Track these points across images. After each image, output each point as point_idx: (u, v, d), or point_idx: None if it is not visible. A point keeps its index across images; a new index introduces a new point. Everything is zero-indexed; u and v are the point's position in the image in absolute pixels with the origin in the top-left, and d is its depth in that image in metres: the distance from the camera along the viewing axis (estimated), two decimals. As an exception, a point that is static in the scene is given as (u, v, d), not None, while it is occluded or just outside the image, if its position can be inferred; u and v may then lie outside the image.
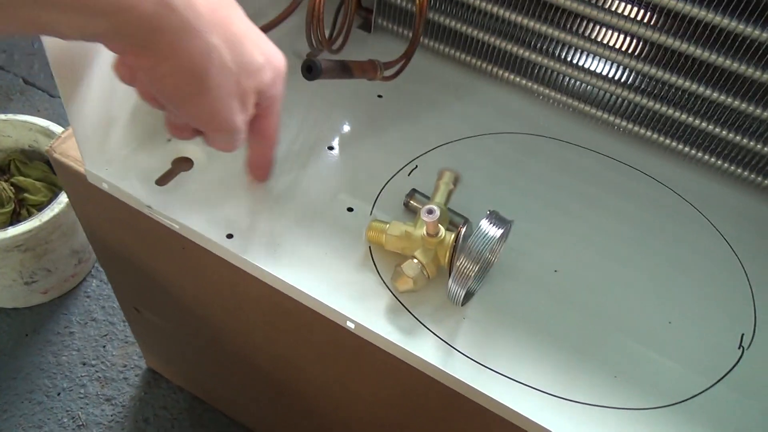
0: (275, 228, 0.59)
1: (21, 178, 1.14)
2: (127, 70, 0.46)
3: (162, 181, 0.60)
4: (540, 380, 0.51)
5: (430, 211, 0.51)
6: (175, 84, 0.42)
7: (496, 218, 0.51)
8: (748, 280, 0.62)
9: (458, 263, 0.50)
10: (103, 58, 0.54)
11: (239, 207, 0.59)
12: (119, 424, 1.03)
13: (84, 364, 1.10)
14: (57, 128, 1.13)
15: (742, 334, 0.58)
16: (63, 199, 1.04)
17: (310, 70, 0.56)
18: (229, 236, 0.57)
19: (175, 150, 0.63)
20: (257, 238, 0.57)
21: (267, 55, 0.47)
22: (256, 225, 0.58)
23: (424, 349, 0.51)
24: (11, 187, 1.12)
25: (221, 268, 0.58)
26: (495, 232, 0.50)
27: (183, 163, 0.63)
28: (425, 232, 0.54)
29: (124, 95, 0.58)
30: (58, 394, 1.06)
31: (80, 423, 1.03)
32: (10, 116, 1.14)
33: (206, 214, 0.58)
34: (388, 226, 0.56)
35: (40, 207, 1.12)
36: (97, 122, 0.57)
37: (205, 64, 0.41)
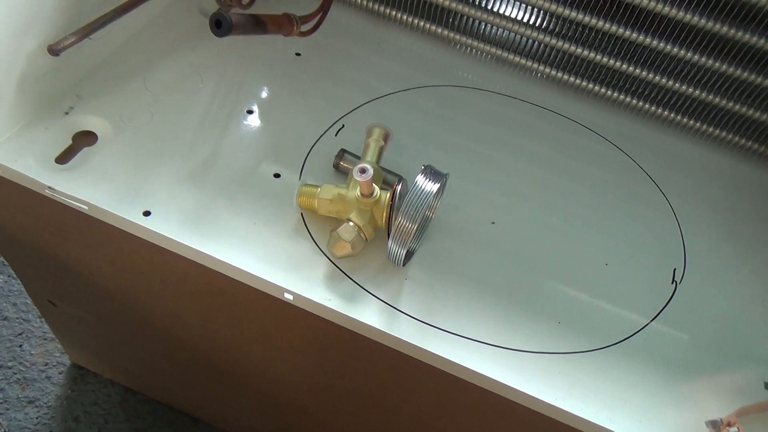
0: (197, 201, 0.54)
1: None
2: None
3: (63, 158, 0.54)
4: (485, 334, 0.50)
5: (363, 171, 0.49)
6: None
7: (432, 173, 0.49)
8: (675, 216, 0.64)
9: (397, 222, 0.48)
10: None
11: (155, 181, 0.54)
12: (46, 426, 0.96)
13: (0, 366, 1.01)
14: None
15: (674, 269, 0.59)
16: (-47, 190, 0.94)
17: (220, 25, 0.51)
18: (146, 213, 0.52)
19: (75, 123, 0.57)
20: (178, 213, 0.53)
21: None
22: (175, 199, 0.54)
23: (368, 314, 0.49)
24: None
25: (141, 248, 0.54)
26: (431, 187, 0.48)
27: (86, 138, 0.56)
28: (359, 193, 0.51)
29: (11, 59, 0.51)
30: (-27, 402, 0.97)
31: (2, 430, 0.95)
32: None
33: (118, 191, 0.53)
34: (319, 189, 0.53)
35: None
36: (-21, 97, 0.51)
37: None
